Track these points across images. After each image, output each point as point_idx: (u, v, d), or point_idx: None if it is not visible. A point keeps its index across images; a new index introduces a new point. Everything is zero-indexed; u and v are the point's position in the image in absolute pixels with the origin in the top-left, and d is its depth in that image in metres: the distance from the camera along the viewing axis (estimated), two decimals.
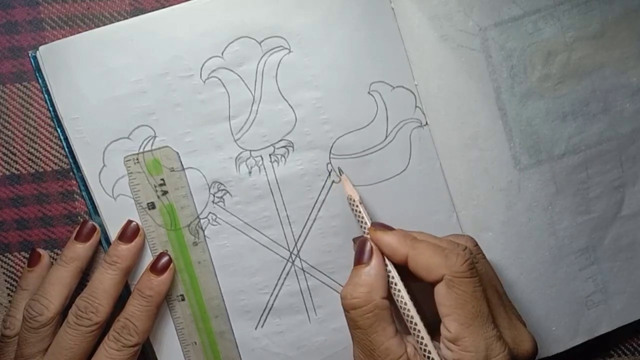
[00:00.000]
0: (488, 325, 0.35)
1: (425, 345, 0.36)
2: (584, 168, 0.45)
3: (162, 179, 0.43)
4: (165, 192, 0.43)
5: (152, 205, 0.43)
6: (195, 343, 0.44)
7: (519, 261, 0.44)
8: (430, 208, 0.44)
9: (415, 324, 0.36)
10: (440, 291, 0.36)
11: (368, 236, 0.39)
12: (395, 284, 0.37)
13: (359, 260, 0.38)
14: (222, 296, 0.44)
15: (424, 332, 0.36)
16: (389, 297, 0.37)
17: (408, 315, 0.37)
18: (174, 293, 0.43)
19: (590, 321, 0.46)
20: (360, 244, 0.38)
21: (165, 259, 0.42)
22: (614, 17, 0.44)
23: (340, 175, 0.43)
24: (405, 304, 0.37)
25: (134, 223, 0.42)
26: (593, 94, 0.45)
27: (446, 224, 0.44)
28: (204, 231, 0.43)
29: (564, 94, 0.44)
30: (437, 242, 0.38)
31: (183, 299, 0.43)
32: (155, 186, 0.43)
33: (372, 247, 0.38)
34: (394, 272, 0.37)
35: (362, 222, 0.40)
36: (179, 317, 0.43)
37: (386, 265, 0.38)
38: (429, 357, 0.35)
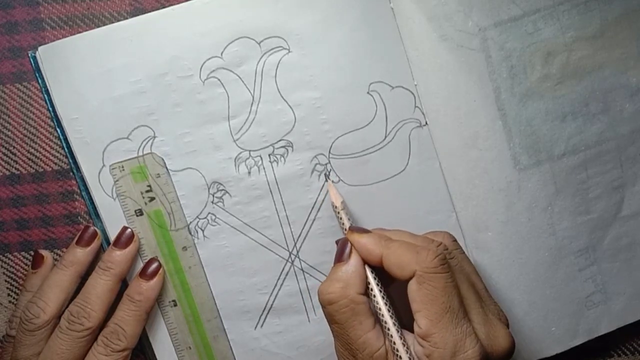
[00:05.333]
0: (459, 321, 0.35)
1: (397, 350, 0.36)
2: (584, 168, 0.45)
3: (149, 186, 0.43)
4: (152, 199, 0.43)
5: (139, 212, 0.43)
6: (190, 348, 0.44)
7: (519, 261, 0.44)
8: (430, 208, 0.44)
9: (388, 329, 0.37)
10: (411, 287, 0.36)
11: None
12: (372, 289, 0.38)
13: (338, 259, 0.38)
14: (215, 300, 0.44)
15: (396, 337, 0.36)
16: (367, 293, 0.38)
17: (382, 320, 0.37)
18: (166, 299, 0.43)
19: (589, 322, 0.45)
20: (341, 244, 0.39)
21: (154, 265, 0.42)
22: (614, 17, 0.44)
23: (326, 181, 0.43)
24: (380, 309, 0.37)
25: (128, 230, 0.42)
26: (592, 94, 0.44)
27: (445, 224, 0.44)
28: (203, 231, 0.43)
29: (563, 94, 0.44)
30: (411, 240, 0.38)
31: (175, 305, 0.43)
32: (142, 193, 0.43)
33: (351, 246, 0.39)
34: (370, 277, 0.38)
35: (343, 226, 0.41)
36: (172, 322, 0.43)
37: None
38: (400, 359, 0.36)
